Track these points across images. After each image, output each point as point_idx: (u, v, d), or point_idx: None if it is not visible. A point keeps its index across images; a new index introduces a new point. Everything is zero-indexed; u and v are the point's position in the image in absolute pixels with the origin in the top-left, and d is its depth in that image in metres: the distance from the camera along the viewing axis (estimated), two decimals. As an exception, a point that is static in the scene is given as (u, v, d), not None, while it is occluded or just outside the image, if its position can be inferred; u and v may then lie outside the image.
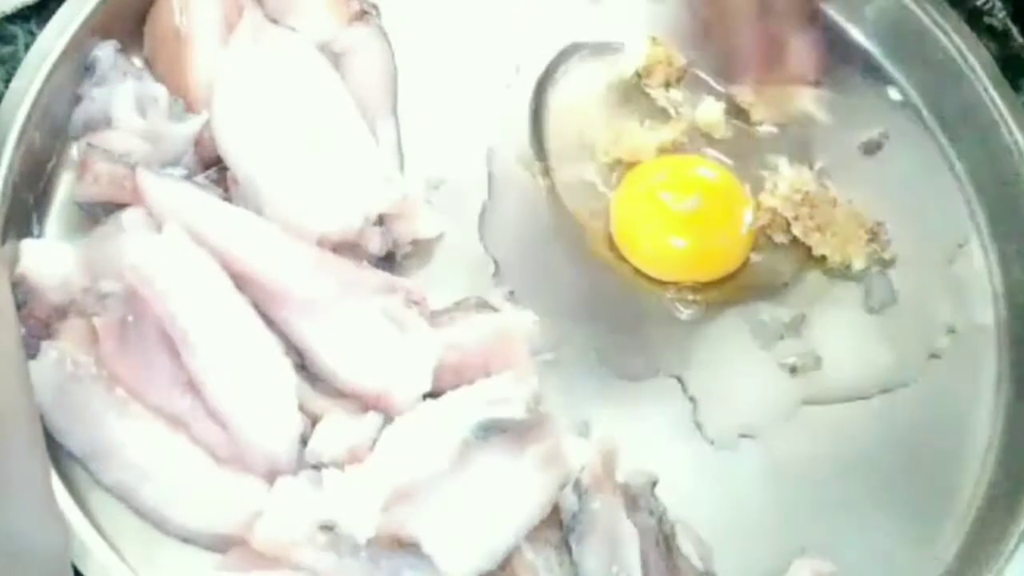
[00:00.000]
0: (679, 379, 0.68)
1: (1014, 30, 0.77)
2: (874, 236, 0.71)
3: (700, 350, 0.69)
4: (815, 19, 0.74)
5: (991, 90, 0.74)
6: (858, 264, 0.71)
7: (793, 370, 0.68)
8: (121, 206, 0.65)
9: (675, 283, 0.70)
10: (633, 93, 0.76)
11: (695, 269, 0.70)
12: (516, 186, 0.73)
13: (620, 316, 0.69)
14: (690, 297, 0.70)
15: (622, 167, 0.73)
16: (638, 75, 0.76)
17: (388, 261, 0.68)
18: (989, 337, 0.71)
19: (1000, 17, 0.78)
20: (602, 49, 0.77)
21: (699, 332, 0.69)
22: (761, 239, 0.71)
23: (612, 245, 0.71)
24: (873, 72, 0.79)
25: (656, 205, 0.70)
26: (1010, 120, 0.74)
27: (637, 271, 0.70)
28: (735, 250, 0.71)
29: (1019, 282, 0.72)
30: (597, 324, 0.69)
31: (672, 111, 0.75)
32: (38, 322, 0.62)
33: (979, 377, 0.70)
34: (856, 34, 0.80)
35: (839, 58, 0.79)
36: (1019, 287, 0.72)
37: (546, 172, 0.73)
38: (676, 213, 0.70)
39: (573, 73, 0.77)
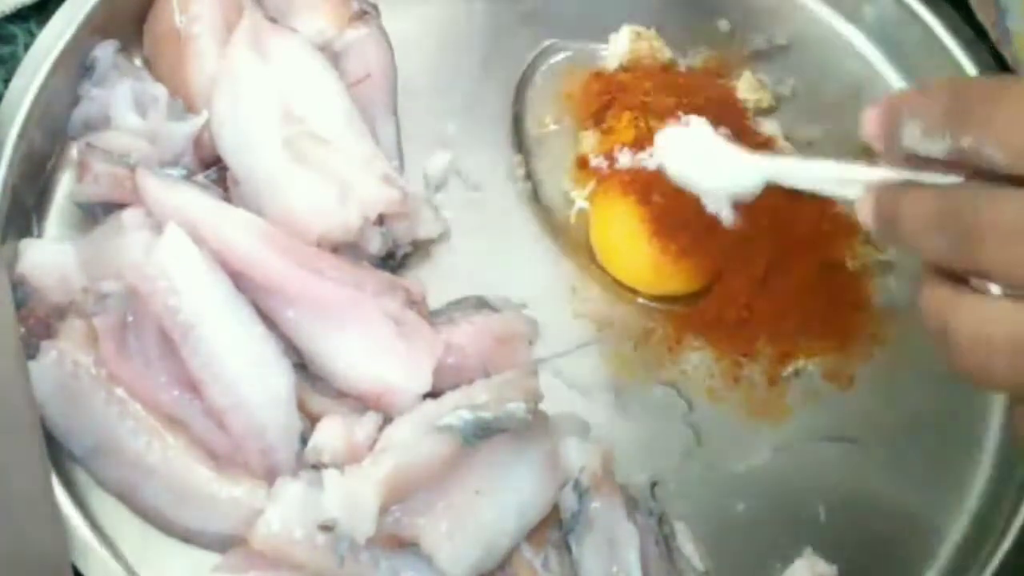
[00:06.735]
0: (675, 385, 0.68)
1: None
2: (868, 237, 0.71)
3: (693, 354, 0.69)
4: None
5: (991, 90, 0.74)
6: (852, 265, 0.71)
7: (796, 373, 0.69)
8: (121, 206, 0.65)
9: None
10: (619, 89, 0.75)
11: (676, 285, 0.69)
12: (503, 189, 0.73)
13: (612, 321, 0.69)
14: (677, 307, 0.70)
15: (603, 172, 0.71)
16: (623, 69, 0.76)
17: (388, 261, 0.68)
18: (989, 337, 0.71)
19: (1000, 17, 0.78)
20: (586, 45, 0.77)
21: (691, 336, 0.69)
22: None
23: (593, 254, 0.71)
24: (873, 72, 0.79)
25: (631, 224, 0.68)
26: (1010, 120, 0.73)
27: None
28: (713, 263, 0.68)
29: (1019, 282, 0.72)
30: (591, 328, 0.69)
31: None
32: (38, 322, 0.62)
33: (979, 377, 0.70)
34: (856, 34, 0.80)
35: (839, 58, 0.79)
36: (1019, 287, 0.72)
37: (528, 176, 0.73)
38: (649, 233, 0.67)
39: (556, 70, 0.76)
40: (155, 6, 0.72)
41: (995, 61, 0.75)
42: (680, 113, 0.70)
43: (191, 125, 0.67)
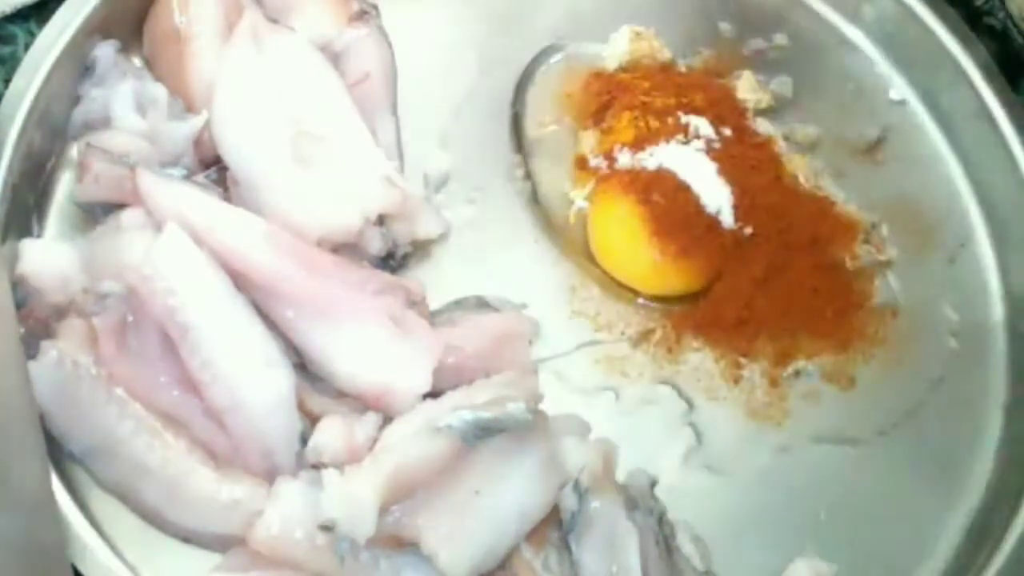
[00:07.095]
0: (675, 385, 0.68)
1: (1014, 30, 0.77)
2: (868, 237, 0.71)
3: (693, 354, 0.69)
4: None
5: (991, 90, 0.74)
6: (852, 265, 0.71)
7: (796, 374, 0.69)
8: (121, 206, 0.65)
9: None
10: (618, 88, 0.75)
11: (676, 285, 0.69)
12: (503, 188, 0.73)
13: (612, 320, 0.69)
14: (677, 307, 0.70)
15: (603, 172, 0.71)
16: (623, 69, 0.76)
17: (388, 261, 0.68)
18: (990, 336, 0.71)
19: (1000, 17, 0.78)
20: (586, 45, 0.77)
21: (691, 336, 0.69)
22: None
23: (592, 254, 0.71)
24: (873, 72, 0.79)
25: (631, 224, 0.68)
26: (1010, 120, 0.74)
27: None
28: (712, 263, 0.68)
29: (1019, 281, 0.72)
30: (591, 328, 0.69)
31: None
32: (38, 322, 0.62)
33: (980, 376, 0.70)
34: (856, 34, 0.80)
35: (839, 58, 0.79)
36: (1019, 286, 0.72)
37: (527, 176, 0.73)
38: (649, 233, 0.67)
39: (556, 70, 0.76)
40: (155, 6, 0.72)
41: (994, 60, 0.75)
42: (680, 113, 0.71)
43: (191, 125, 0.67)
